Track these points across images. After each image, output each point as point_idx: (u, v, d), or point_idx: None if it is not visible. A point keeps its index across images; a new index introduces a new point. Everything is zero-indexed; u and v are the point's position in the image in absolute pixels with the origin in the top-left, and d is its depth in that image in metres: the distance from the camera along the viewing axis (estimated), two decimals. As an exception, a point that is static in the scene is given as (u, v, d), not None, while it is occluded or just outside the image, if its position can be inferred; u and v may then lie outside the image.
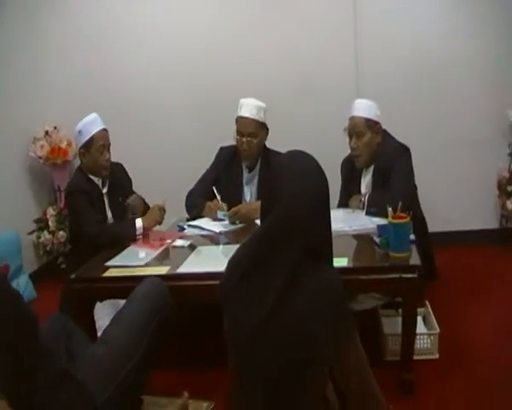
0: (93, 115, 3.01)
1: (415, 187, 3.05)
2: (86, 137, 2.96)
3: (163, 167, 4.30)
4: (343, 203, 3.16)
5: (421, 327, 2.72)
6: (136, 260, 2.59)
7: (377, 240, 2.49)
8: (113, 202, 3.10)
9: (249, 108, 3.16)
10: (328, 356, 1.47)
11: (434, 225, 3.47)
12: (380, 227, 2.51)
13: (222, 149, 3.37)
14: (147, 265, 2.54)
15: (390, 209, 2.40)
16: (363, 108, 3.03)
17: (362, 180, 3.16)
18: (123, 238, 2.86)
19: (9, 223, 3.98)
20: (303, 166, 1.57)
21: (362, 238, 2.68)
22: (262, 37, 4.27)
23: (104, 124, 3.03)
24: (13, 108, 4.21)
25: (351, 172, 3.21)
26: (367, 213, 2.90)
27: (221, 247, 2.73)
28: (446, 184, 4.21)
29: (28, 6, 4.32)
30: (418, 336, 2.55)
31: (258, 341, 1.50)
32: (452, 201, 4.20)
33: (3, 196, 4.04)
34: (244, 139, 3.15)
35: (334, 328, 1.46)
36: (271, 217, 1.52)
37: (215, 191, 3.10)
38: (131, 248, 2.77)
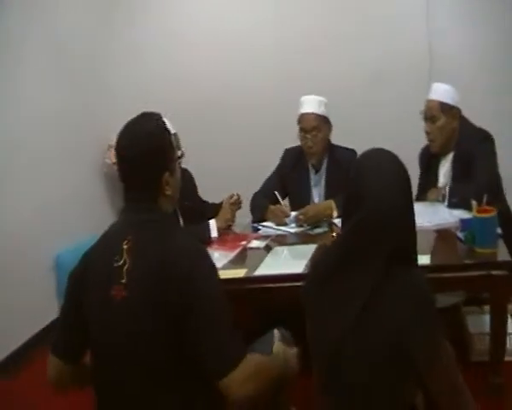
0: None
1: (499, 176, 2.89)
2: None
3: (231, 167, 4.31)
4: (421, 196, 3.02)
5: (509, 326, 2.54)
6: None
7: (461, 235, 2.37)
8: (181, 206, 3.11)
9: (310, 103, 3.11)
10: (418, 362, 1.42)
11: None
12: (463, 221, 2.40)
13: (287, 150, 3.31)
14: (223, 268, 2.51)
15: (474, 202, 2.29)
16: (439, 91, 2.93)
17: (440, 170, 3.02)
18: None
19: (87, 228, 4.09)
20: (386, 163, 1.55)
21: (443, 233, 2.56)
22: (330, 29, 4.24)
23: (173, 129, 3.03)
24: (90, 117, 4.32)
25: (428, 161, 3.08)
26: (449, 205, 2.75)
27: (298, 247, 2.69)
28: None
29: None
30: (508, 336, 2.41)
31: (345, 348, 1.48)
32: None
33: (81, 202, 4.17)
34: (308, 136, 3.08)
35: (423, 334, 1.42)
36: (357, 217, 1.48)
37: (278, 196, 3.05)
38: (207, 251, 2.76)
